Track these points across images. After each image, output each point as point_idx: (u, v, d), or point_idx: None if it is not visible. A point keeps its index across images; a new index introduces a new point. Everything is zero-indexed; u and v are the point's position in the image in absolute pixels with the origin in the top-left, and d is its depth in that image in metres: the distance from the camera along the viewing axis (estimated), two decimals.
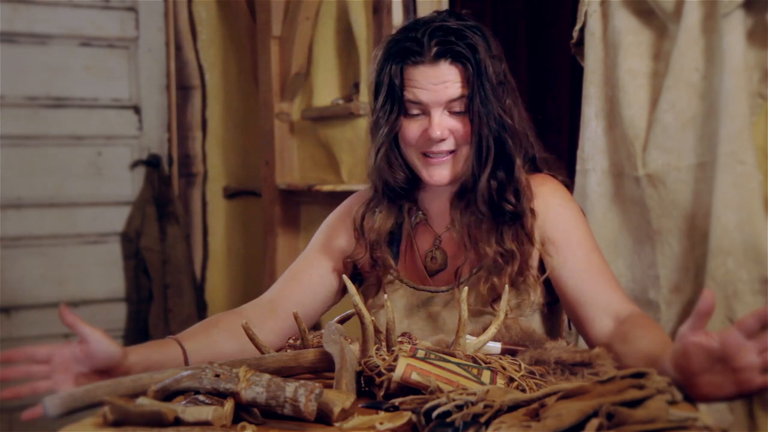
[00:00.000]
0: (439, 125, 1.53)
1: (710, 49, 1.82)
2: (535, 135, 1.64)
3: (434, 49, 1.52)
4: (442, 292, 1.62)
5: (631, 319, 1.44)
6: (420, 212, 1.67)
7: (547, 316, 1.64)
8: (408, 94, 1.55)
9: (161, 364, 1.38)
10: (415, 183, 1.65)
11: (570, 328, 1.73)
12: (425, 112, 1.55)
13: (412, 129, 1.56)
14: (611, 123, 2.05)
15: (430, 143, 1.55)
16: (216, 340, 1.50)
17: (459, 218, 1.59)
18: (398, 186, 1.63)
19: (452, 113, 1.54)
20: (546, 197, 1.59)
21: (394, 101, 1.56)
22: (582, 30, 2.11)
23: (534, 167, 1.64)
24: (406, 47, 1.54)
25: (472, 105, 1.52)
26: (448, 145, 1.55)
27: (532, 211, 1.57)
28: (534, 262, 1.58)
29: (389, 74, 1.55)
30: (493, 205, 1.56)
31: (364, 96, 2.96)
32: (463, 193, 1.58)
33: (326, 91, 3.22)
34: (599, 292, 1.50)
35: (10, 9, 3.35)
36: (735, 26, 1.75)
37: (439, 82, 1.52)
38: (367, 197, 1.69)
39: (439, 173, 1.57)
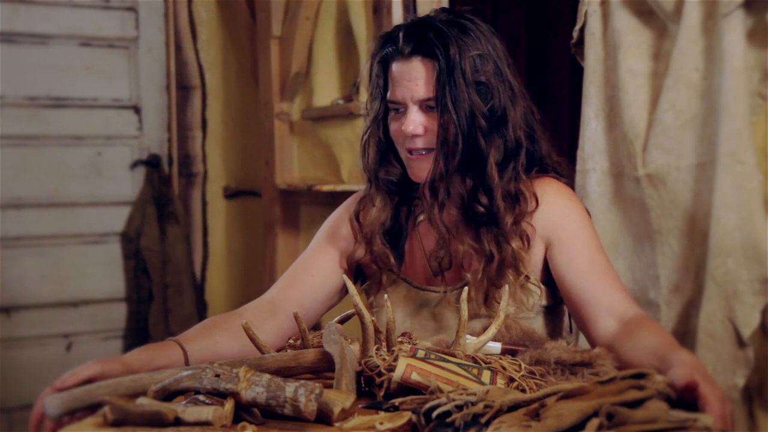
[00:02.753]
0: (413, 121, 1.55)
1: (710, 49, 1.82)
2: (546, 137, 1.64)
3: (409, 46, 1.55)
4: (445, 292, 1.61)
5: (635, 319, 1.44)
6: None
7: (549, 317, 1.64)
8: (389, 94, 1.58)
9: (164, 368, 1.38)
10: (410, 183, 1.65)
11: (571, 330, 1.73)
12: (404, 108, 1.57)
13: (395, 126, 1.60)
14: (611, 123, 2.05)
15: (408, 139, 1.56)
16: (218, 341, 1.50)
17: (434, 215, 1.59)
18: (393, 181, 1.64)
19: (427, 110, 1.56)
20: (551, 199, 1.59)
21: (379, 99, 1.61)
22: (582, 30, 2.11)
23: (542, 169, 1.63)
24: (388, 45, 1.58)
25: (438, 102, 1.53)
26: (425, 142, 1.57)
27: (521, 211, 1.56)
28: (535, 267, 1.59)
29: (374, 72, 1.60)
30: (464, 206, 1.57)
31: (364, 96, 2.96)
32: (433, 189, 1.59)
33: (326, 91, 3.22)
34: (603, 293, 1.50)
35: (10, 9, 3.34)
36: (735, 26, 1.75)
37: (411, 79, 1.55)
38: (356, 200, 1.70)
39: (419, 170, 1.58)
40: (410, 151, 1.58)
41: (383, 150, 1.63)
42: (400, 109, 1.57)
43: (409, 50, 1.54)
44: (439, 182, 1.57)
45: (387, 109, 1.61)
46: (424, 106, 1.55)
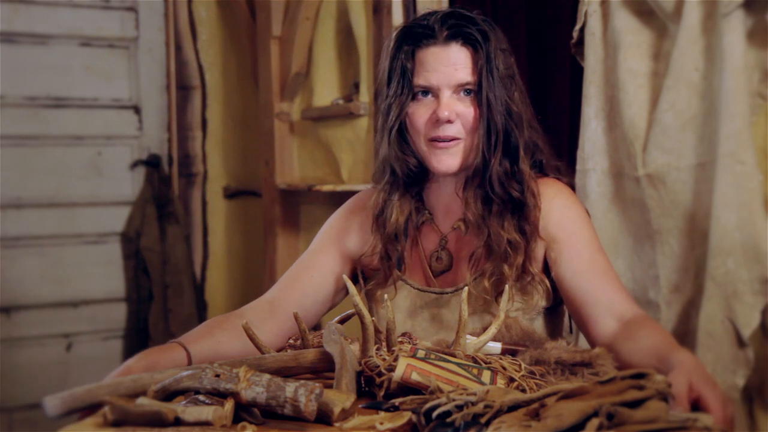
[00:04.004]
0: (447, 106, 1.53)
1: (710, 49, 1.82)
2: (544, 140, 1.64)
3: (446, 32, 1.54)
4: (447, 293, 1.61)
5: (635, 319, 1.44)
6: (426, 211, 1.66)
7: (549, 317, 1.64)
8: (419, 79, 1.56)
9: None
10: (422, 176, 1.64)
11: (571, 330, 1.73)
12: (435, 94, 1.55)
13: (420, 112, 1.56)
14: (611, 123, 2.05)
15: (438, 126, 1.54)
16: (219, 341, 1.50)
17: (473, 201, 1.58)
18: (409, 173, 1.62)
19: (461, 97, 1.55)
20: (552, 199, 1.59)
21: (404, 85, 1.57)
22: (582, 30, 2.11)
23: (541, 171, 1.64)
24: (418, 31, 1.56)
25: (481, 89, 1.53)
26: (455, 130, 1.55)
27: (536, 206, 1.57)
28: (538, 262, 1.59)
29: (401, 58, 1.56)
30: (504, 189, 1.56)
31: (364, 96, 2.96)
32: (474, 177, 1.58)
33: (326, 91, 3.22)
34: (603, 293, 1.50)
35: (10, 9, 3.34)
36: (735, 26, 1.75)
37: (449, 64, 1.53)
38: (375, 192, 1.66)
39: (447, 161, 1.56)
40: (437, 140, 1.55)
41: (400, 140, 1.60)
42: (428, 94, 1.56)
43: (446, 36, 1.54)
44: (481, 171, 1.56)
45: (408, 98, 1.58)
46: (460, 91, 1.54)
